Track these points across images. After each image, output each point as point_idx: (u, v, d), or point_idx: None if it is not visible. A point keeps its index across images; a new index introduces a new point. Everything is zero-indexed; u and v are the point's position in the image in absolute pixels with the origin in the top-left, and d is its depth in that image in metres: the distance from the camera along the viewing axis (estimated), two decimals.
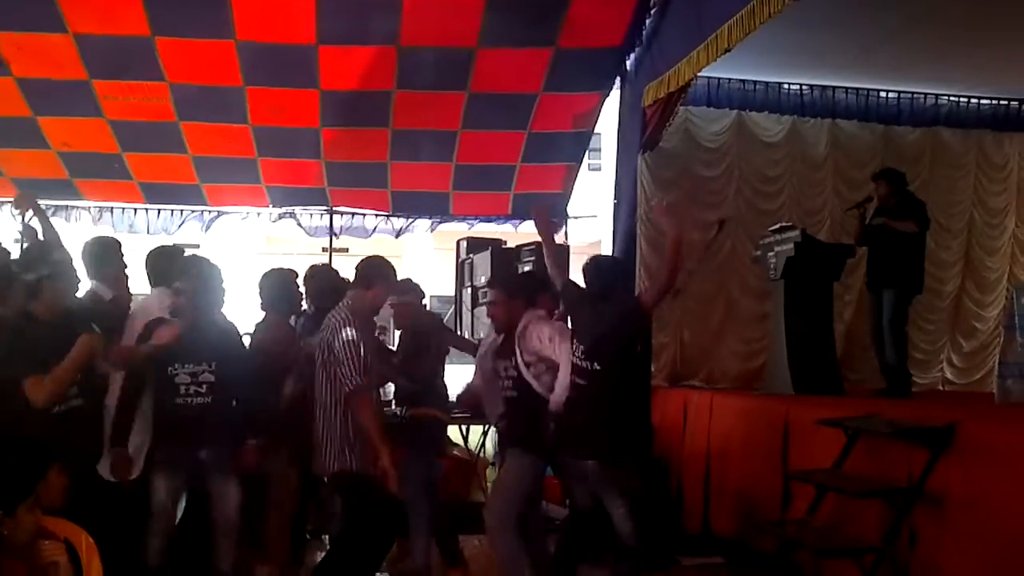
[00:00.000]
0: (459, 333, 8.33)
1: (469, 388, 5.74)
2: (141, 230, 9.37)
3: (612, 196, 8.27)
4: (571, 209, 9.67)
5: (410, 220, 9.73)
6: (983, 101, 9.27)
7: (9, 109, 7.91)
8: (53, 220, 8.47)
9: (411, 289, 6.01)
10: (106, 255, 5.18)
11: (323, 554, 5.60)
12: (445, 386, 6.16)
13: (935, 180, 9.22)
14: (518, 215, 9.67)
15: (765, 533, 5.62)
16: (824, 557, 4.88)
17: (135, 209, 9.36)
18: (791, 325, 7.10)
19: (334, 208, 9.55)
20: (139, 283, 5.28)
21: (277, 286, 5.59)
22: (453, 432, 7.38)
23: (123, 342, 4.75)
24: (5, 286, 4.32)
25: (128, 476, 4.59)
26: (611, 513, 4.67)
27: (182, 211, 9.45)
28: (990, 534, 4.04)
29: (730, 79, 8.63)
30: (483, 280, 8.17)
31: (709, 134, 8.77)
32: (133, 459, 4.64)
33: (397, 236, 9.98)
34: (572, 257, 8.22)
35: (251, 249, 17.97)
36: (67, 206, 9.21)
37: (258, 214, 9.58)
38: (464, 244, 9.15)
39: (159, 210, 9.43)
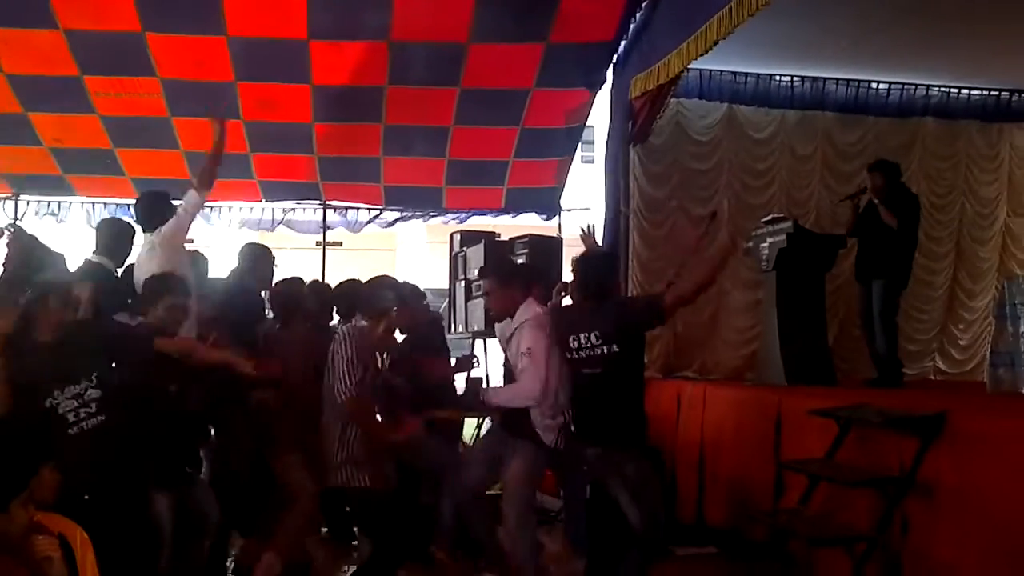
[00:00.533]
0: (453, 326, 8.34)
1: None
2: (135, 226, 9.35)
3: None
4: (564, 202, 9.70)
5: (402, 214, 9.77)
6: (973, 92, 9.29)
7: (0, 105, 7.89)
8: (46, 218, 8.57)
9: (411, 294, 6.04)
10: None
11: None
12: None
13: (925, 171, 9.26)
14: (511, 208, 9.70)
15: (758, 523, 5.64)
16: (816, 546, 4.89)
17: (128, 205, 9.34)
18: (783, 316, 7.12)
19: (327, 202, 9.57)
20: None
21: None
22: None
23: None
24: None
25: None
26: (620, 501, 4.69)
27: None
28: (981, 522, 4.06)
29: (721, 71, 8.64)
30: (477, 273, 8.17)
31: (700, 127, 8.78)
32: None
33: (389, 226, 10.01)
34: (565, 249, 8.26)
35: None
36: (59, 202, 9.21)
37: (251, 209, 9.58)
38: (458, 237, 9.15)
39: None
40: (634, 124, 8.09)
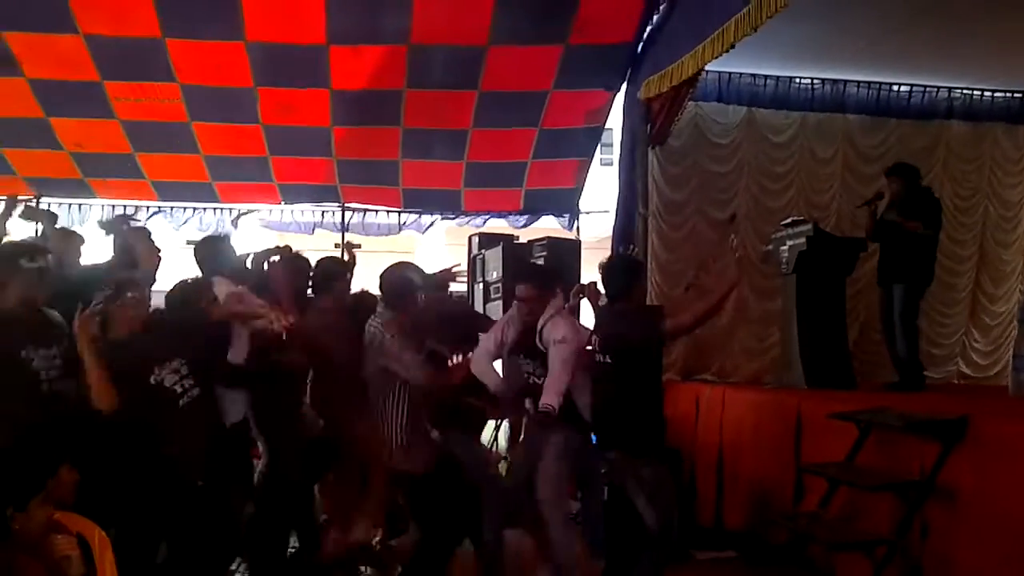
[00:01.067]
0: None
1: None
2: (164, 226, 9.48)
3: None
4: (583, 204, 9.70)
5: (420, 216, 9.80)
6: (997, 94, 9.20)
7: (21, 110, 7.96)
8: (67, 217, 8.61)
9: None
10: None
11: None
12: None
13: (948, 174, 9.18)
14: (529, 210, 9.70)
15: (777, 526, 5.63)
16: (836, 550, 4.88)
17: (148, 207, 9.44)
18: (803, 319, 7.08)
19: (346, 204, 9.61)
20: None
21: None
22: None
23: None
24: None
25: None
26: (638, 505, 4.70)
27: (206, 209, 9.57)
28: (1002, 527, 4.03)
29: (740, 74, 8.60)
30: (495, 276, 8.16)
31: (719, 130, 8.75)
32: None
33: (400, 231, 10.04)
34: (584, 253, 8.25)
35: (264, 245, 17.98)
36: (80, 204, 9.29)
37: (269, 211, 9.63)
38: (476, 240, 9.16)
39: (172, 208, 9.59)
40: (652, 126, 8.08)
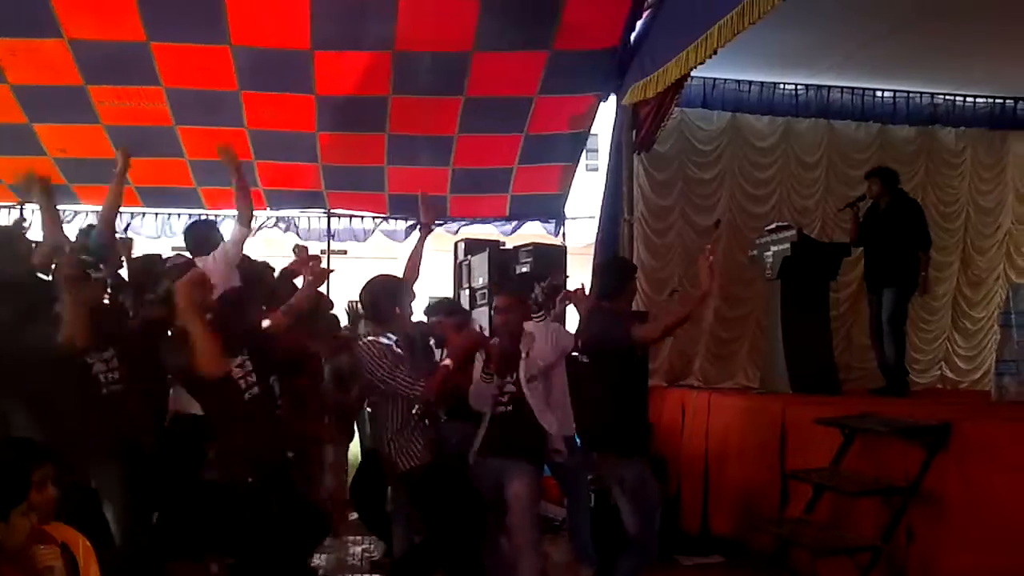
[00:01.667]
0: None
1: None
2: (143, 234, 9.43)
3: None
4: (568, 210, 9.70)
5: (406, 222, 9.78)
6: (978, 100, 9.27)
7: (4, 116, 7.90)
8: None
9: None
10: None
11: None
12: None
13: (931, 179, 9.26)
14: (516, 216, 9.70)
15: (763, 532, 5.63)
16: (821, 556, 4.87)
17: (132, 213, 9.40)
18: (788, 324, 7.10)
19: (331, 211, 9.58)
20: None
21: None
22: None
23: None
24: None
25: None
26: (620, 507, 4.71)
27: (189, 215, 9.46)
28: (986, 532, 4.05)
29: (725, 79, 8.64)
30: (481, 282, 8.17)
31: (704, 136, 8.79)
32: None
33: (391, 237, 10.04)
34: (569, 258, 8.26)
35: (251, 252, 17.94)
36: (63, 210, 9.21)
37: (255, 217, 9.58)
38: (462, 245, 9.17)
39: (156, 214, 9.55)
40: (639, 132, 8.10)
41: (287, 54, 7.46)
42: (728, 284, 8.55)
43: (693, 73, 6.95)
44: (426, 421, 4.96)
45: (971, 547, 4.11)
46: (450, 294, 8.80)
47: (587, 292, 5.40)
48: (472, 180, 9.13)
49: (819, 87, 8.88)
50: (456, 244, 9.33)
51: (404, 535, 5.65)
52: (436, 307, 6.16)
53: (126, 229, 9.35)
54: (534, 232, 9.80)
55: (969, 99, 9.24)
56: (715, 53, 6.00)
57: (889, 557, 4.48)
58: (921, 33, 7.26)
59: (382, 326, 4.95)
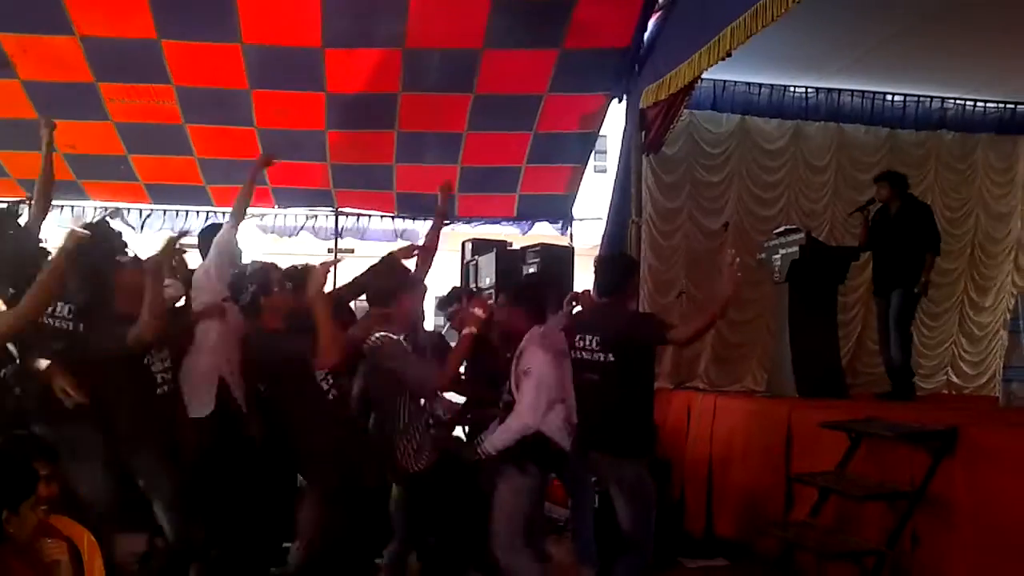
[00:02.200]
0: None
1: None
2: (155, 229, 9.47)
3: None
4: (576, 211, 9.71)
5: (414, 222, 9.79)
6: (989, 104, 9.25)
7: (15, 111, 7.90)
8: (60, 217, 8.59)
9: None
10: None
11: None
12: None
13: (940, 184, 9.24)
14: (523, 216, 9.70)
15: (768, 535, 5.61)
16: (826, 560, 4.86)
17: (140, 210, 9.44)
18: (795, 328, 7.08)
19: (340, 209, 9.61)
20: None
21: None
22: None
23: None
24: None
25: None
26: (617, 507, 4.68)
27: (197, 212, 9.56)
28: (992, 538, 4.04)
29: (735, 82, 8.64)
30: (488, 282, 8.17)
31: (712, 138, 8.79)
32: None
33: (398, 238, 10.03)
34: (577, 260, 8.26)
35: (259, 249, 17.98)
36: (73, 206, 9.25)
37: (262, 216, 9.63)
38: (469, 245, 9.17)
39: (165, 211, 9.58)
40: (647, 134, 8.10)
41: (298, 52, 7.48)
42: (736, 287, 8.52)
43: (703, 75, 6.96)
44: (430, 421, 4.96)
45: (977, 552, 4.10)
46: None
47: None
48: (480, 179, 9.14)
49: (829, 90, 8.87)
50: (463, 244, 9.34)
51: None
52: (451, 295, 6.22)
53: (141, 227, 9.41)
54: (544, 233, 9.80)
55: (980, 104, 9.22)
56: (728, 55, 6.01)
57: (894, 562, 4.47)
58: (929, 38, 7.27)
59: (380, 308, 4.76)
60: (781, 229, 7.43)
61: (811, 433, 5.48)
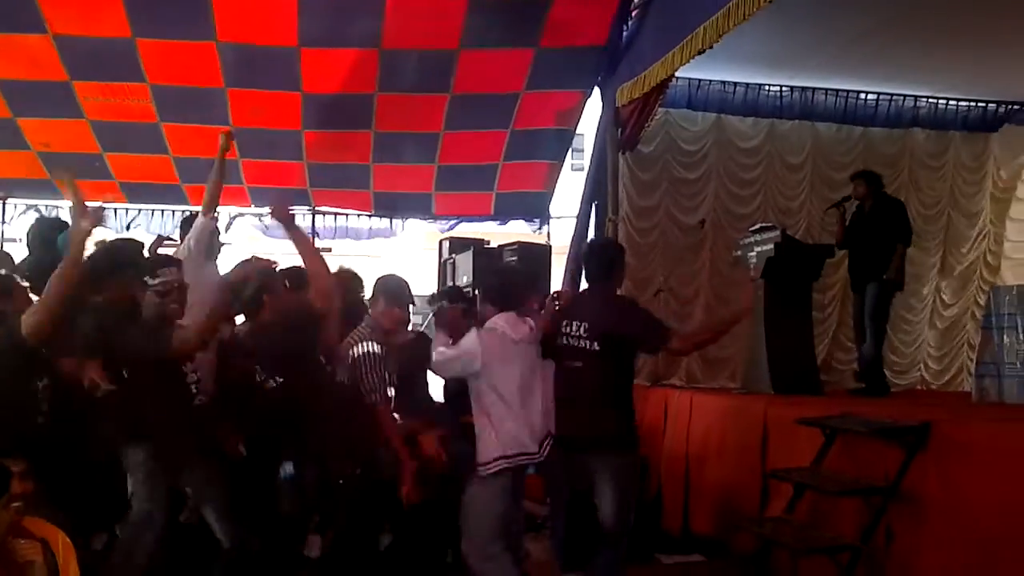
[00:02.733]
0: None
1: None
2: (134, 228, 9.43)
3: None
4: (553, 209, 9.72)
5: (391, 222, 9.78)
6: (960, 103, 9.33)
7: None
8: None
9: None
10: None
11: None
12: None
13: (913, 182, 9.30)
14: (500, 214, 9.71)
15: (744, 532, 5.64)
16: (801, 555, 4.88)
17: (115, 209, 9.36)
18: (771, 325, 7.11)
19: (316, 208, 9.57)
20: None
21: None
22: None
23: None
24: None
25: None
26: (600, 501, 4.64)
27: (173, 212, 9.48)
28: (965, 532, 4.07)
29: (710, 81, 8.67)
30: (465, 280, 8.17)
31: (689, 136, 8.82)
32: None
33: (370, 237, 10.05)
34: (554, 257, 8.27)
35: (236, 249, 17.90)
36: (47, 205, 9.19)
37: (241, 215, 9.58)
38: (447, 244, 9.17)
39: (140, 209, 9.53)
40: (623, 131, 8.13)
41: (274, 51, 7.47)
42: (719, 285, 8.61)
43: (678, 74, 7.01)
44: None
45: (950, 547, 4.13)
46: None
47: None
48: (457, 177, 9.15)
49: (803, 89, 8.93)
50: (440, 242, 9.34)
51: None
52: (442, 293, 6.26)
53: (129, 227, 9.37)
54: (520, 231, 9.81)
55: (952, 102, 9.30)
56: (700, 53, 6.04)
57: (869, 557, 4.50)
58: (902, 37, 7.33)
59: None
60: (756, 227, 7.46)
61: (786, 429, 5.50)
